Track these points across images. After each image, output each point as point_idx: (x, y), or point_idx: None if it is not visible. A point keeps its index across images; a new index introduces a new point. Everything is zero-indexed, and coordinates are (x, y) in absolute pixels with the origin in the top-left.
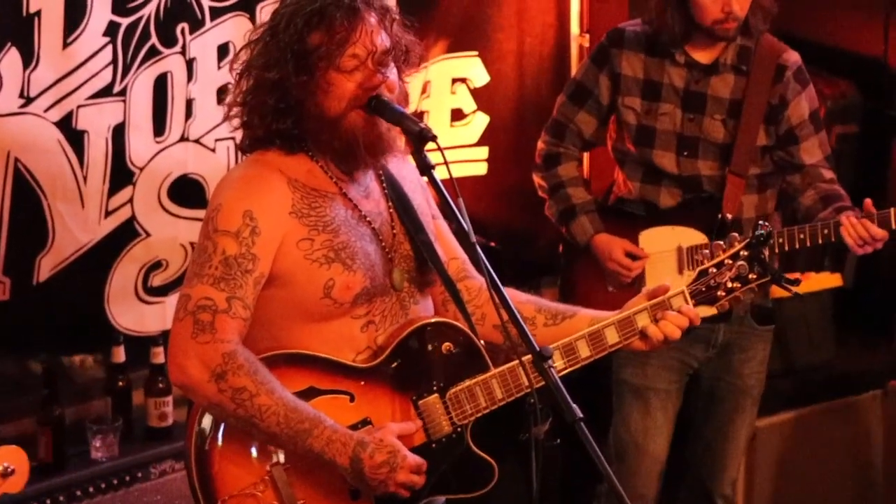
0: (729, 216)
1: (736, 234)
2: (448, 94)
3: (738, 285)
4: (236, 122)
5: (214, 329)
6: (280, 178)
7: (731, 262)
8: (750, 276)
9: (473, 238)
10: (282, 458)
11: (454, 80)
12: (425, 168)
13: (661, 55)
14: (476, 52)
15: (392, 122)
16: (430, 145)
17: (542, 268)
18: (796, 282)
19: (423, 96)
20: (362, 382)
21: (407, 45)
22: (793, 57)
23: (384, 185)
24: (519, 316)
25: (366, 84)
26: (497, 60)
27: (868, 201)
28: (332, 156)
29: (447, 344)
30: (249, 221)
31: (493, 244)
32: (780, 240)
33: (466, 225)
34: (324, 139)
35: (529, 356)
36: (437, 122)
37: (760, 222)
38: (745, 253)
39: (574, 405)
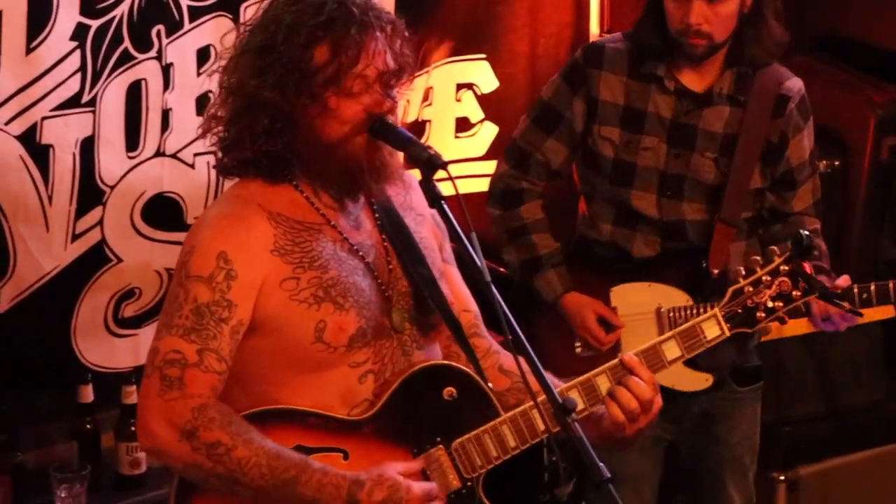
0: (715, 271)
1: (775, 248)
2: (452, 102)
3: (781, 304)
4: (214, 138)
5: (183, 384)
6: (260, 213)
7: (769, 278)
8: (794, 293)
9: (488, 277)
10: None
11: (459, 86)
12: (435, 199)
13: (646, 79)
14: (484, 55)
15: (397, 147)
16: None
17: None
18: (845, 295)
19: (425, 104)
20: (356, 437)
21: (409, 63)
22: (796, 85)
23: (376, 215)
24: (539, 364)
25: (372, 109)
26: (507, 64)
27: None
28: (326, 183)
29: (449, 388)
30: (224, 264)
31: (502, 270)
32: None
33: (480, 261)
34: (318, 165)
35: (543, 398)
36: (440, 132)
37: (801, 231)
38: (787, 267)
39: (601, 464)
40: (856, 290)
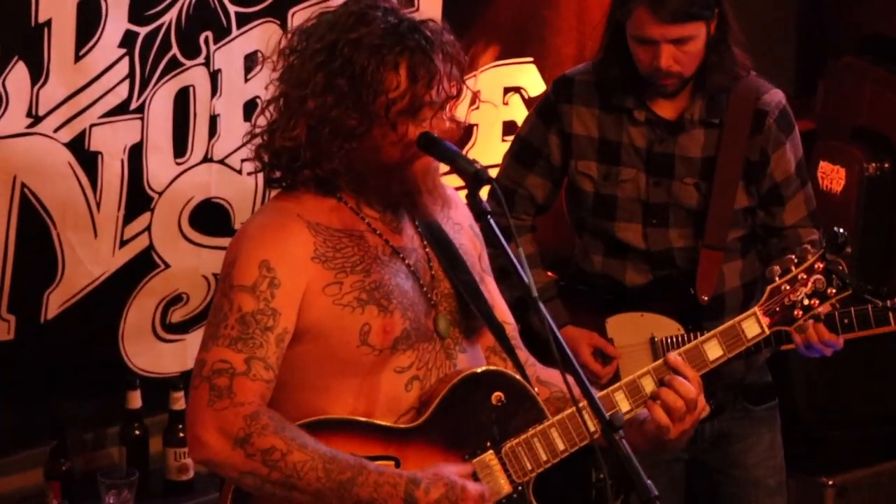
0: (705, 298)
1: (808, 246)
2: (500, 106)
3: (817, 301)
4: (259, 146)
5: (233, 393)
6: (299, 222)
7: (805, 276)
8: (829, 290)
9: (535, 292)
10: None
11: (507, 90)
12: (481, 214)
13: (617, 110)
14: (531, 59)
15: (444, 160)
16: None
17: None
18: (883, 293)
19: (473, 108)
20: (407, 445)
21: (465, 84)
22: (774, 98)
23: (416, 222)
24: (584, 378)
25: (433, 131)
26: (554, 67)
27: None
28: (381, 200)
29: (497, 393)
30: (267, 273)
31: (550, 274)
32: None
33: (527, 277)
34: (378, 184)
35: (585, 403)
36: (487, 135)
37: (836, 228)
38: (821, 265)
39: (649, 481)
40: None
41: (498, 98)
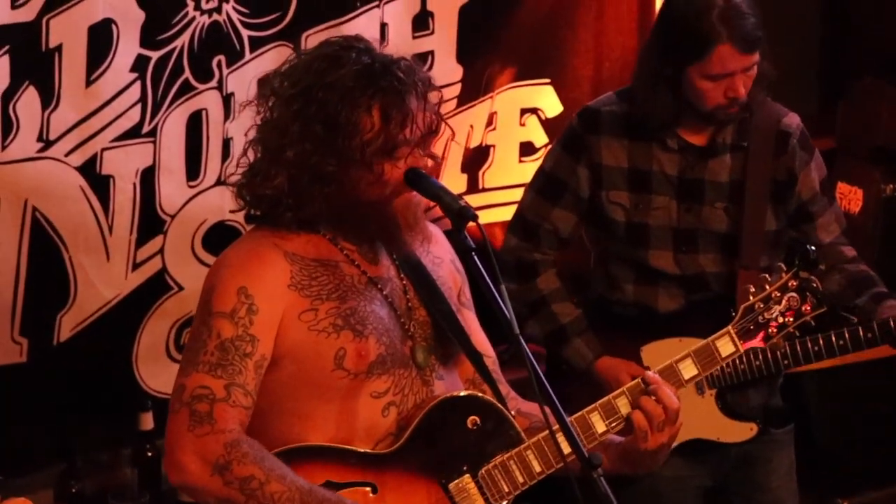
0: None
1: (782, 265)
2: (517, 127)
3: (791, 319)
4: (241, 186)
5: (213, 420)
6: (276, 251)
7: (779, 294)
8: (803, 307)
9: (517, 329)
10: None
11: (523, 111)
12: (466, 251)
13: (646, 138)
14: (548, 80)
15: (430, 197)
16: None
17: None
18: (856, 309)
19: (489, 129)
20: (384, 471)
21: (440, 116)
22: (794, 120)
23: (393, 255)
24: (564, 414)
25: (410, 167)
26: (572, 88)
27: None
28: (359, 237)
29: (473, 417)
30: (245, 299)
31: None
32: (815, 347)
33: (509, 313)
34: (356, 222)
35: (557, 427)
36: (504, 157)
37: (808, 246)
38: (795, 283)
39: None
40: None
41: (515, 119)
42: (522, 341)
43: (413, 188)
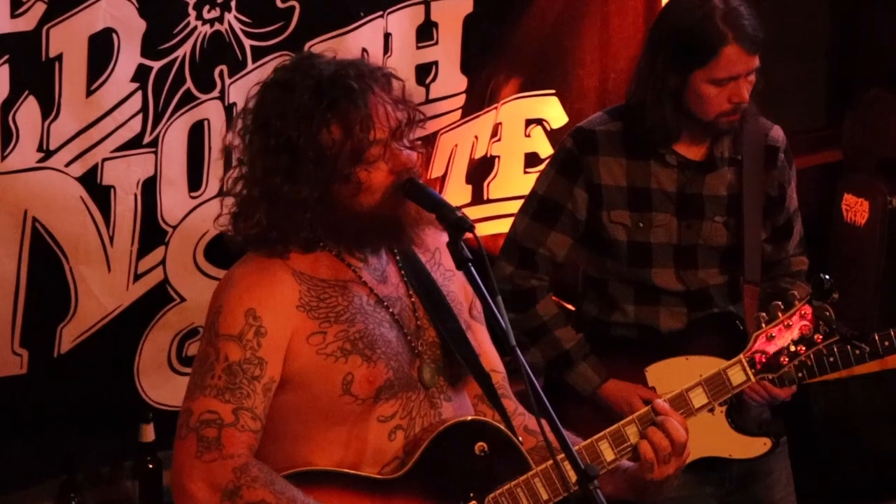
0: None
1: (795, 293)
2: (522, 138)
3: (803, 348)
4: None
5: (221, 445)
6: (284, 270)
7: (791, 322)
8: (815, 336)
9: (513, 340)
10: None
11: (528, 122)
12: (462, 261)
13: (644, 156)
14: (553, 91)
15: (428, 208)
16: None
17: None
18: (866, 337)
19: (494, 140)
20: (391, 496)
21: (414, 108)
22: (780, 134)
23: (402, 271)
24: (560, 427)
25: (395, 168)
26: (577, 99)
27: None
28: (361, 246)
29: (480, 444)
30: (253, 321)
31: (570, 307)
32: (831, 358)
33: (505, 323)
34: (355, 233)
35: (562, 456)
36: (509, 167)
37: (822, 275)
38: (808, 311)
39: None
40: (876, 337)
41: (520, 130)
42: (519, 353)
43: (411, 199)
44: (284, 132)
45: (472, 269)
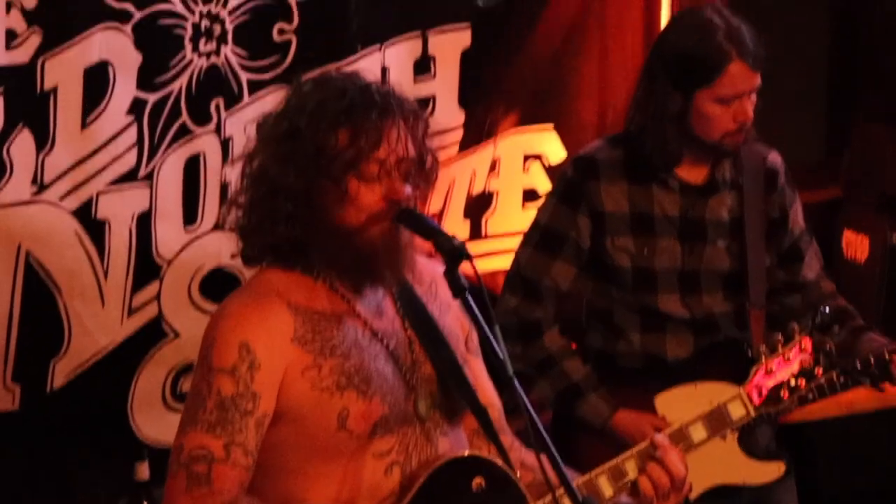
0: None
1: (795, 325)
2: (520, 173)
3: (804, 381)
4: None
5: (211, 481)
6: (279, 302)
7: (792, 355)
8: (816, 370)
9: (510, 370)
10: None
11: (527, 157)
12: (459, 290)
13: (646, 181)
14: (551, 125)
15: (424, 236)
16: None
17: None
18: (866, 370)
19: (492, 175)
20: None
21: (431, 156)
22: (777, 158)
23: (398, 303)
24: (559, 460)
25: (390, 196)
26: (575, 133)
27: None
28: (341, 270)
29: (477, 479)
30: (246, 355)
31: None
32: (811, 395)
33: (502, 354)
34: (333, 250)
35: (561, 492)
36: (507, 203)
37: (822, 307)
38: (808, 343)
39: None
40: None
41: (518, 165)
42: (517, 384)
43: (405, 226)
44: (297, 122)
45: (469, 298)
